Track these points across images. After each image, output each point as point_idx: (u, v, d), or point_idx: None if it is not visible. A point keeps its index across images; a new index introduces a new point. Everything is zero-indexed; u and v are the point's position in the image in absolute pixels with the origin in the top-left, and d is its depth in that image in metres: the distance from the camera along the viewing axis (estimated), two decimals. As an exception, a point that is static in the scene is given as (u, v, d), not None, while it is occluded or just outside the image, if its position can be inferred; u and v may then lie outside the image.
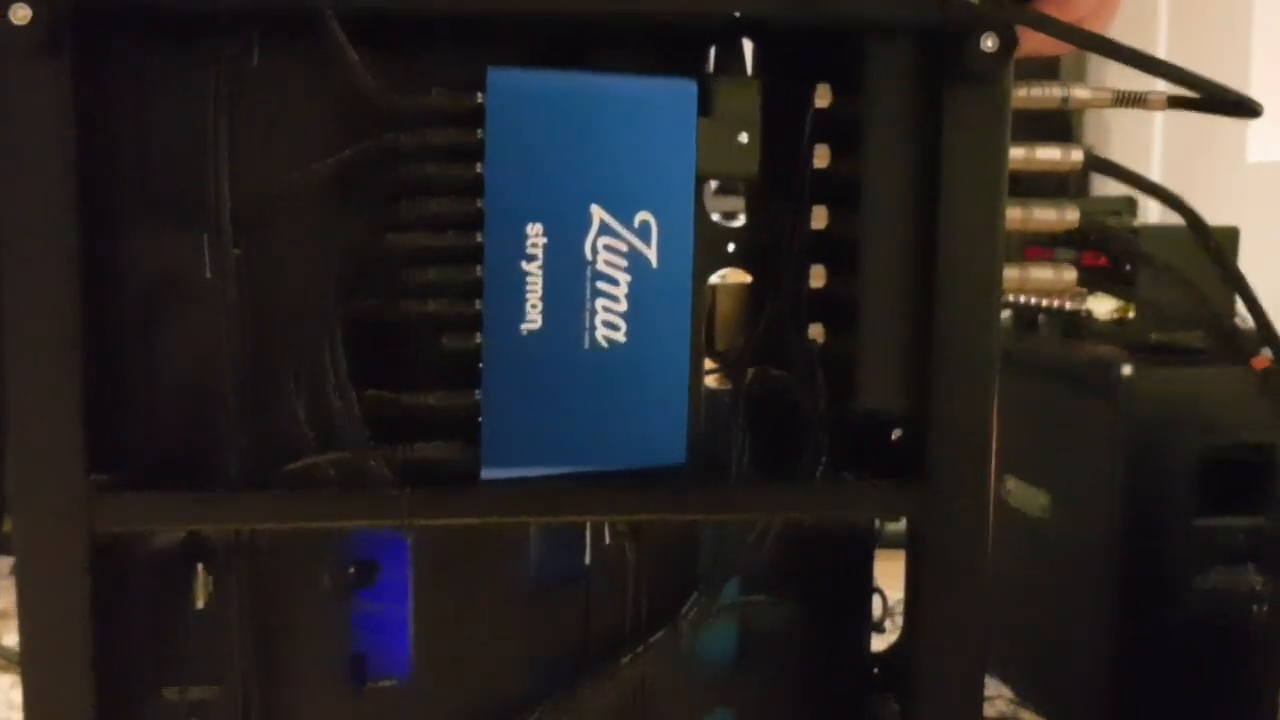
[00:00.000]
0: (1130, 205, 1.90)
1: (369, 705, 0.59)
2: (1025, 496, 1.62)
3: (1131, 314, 1.56)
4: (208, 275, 0.53)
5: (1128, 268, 1.61)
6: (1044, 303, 1.68)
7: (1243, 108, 0.51)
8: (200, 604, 0.56)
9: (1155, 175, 2.23)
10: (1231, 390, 1.30)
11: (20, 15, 0.47)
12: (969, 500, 0.55)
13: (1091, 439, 1.51)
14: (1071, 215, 0.60)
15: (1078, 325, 1.55)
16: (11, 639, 1.46)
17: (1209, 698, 1.37)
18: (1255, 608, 1.26)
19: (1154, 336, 1.35)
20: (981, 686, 0.59)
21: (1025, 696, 1.62)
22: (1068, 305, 1.54)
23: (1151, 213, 2.18)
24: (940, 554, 0.56)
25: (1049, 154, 0.57)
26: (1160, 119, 2.11)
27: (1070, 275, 0.62)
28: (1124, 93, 0.56)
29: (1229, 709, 1.34)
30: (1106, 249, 1.52)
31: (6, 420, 0.49)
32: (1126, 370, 1.32)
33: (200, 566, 0.55)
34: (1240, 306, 1.67)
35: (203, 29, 0.51)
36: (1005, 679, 1.64)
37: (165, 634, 0.56)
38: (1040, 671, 1.60)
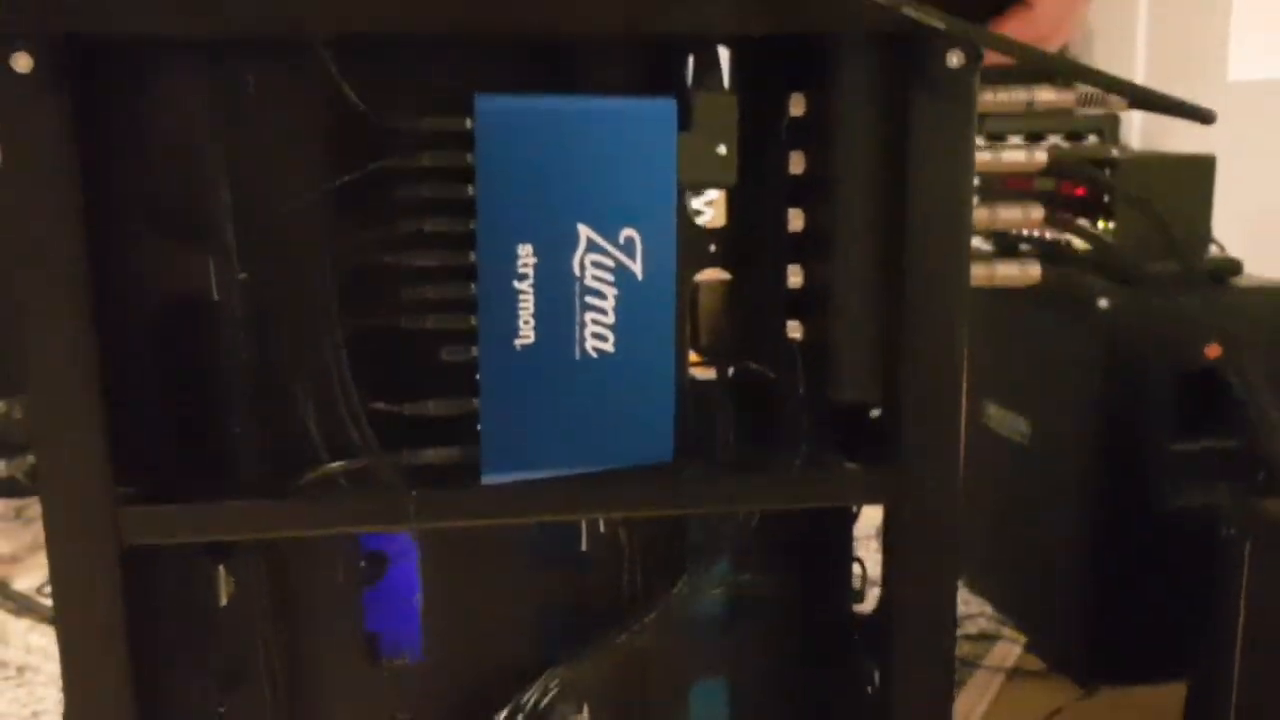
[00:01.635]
0: (1113, 122, 1.91)
1: (385, 681, 0.64)
2: (1006, 422, 1.66)
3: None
4: (215, 297, 0.55)
5: (1104, 198, 1.63)
6: (1025, 231, 1.70)
7: (1198, 115, 0.53)
8: (224, 601, 0.59)
9: (1138, 81, 2.22)
10: (1207, 316, 1.33)
11: (22, 63, 0.48)
12: (939, 484, 0.59)
13: (1071, 366, 1.54)
14: (1040, 157, 0.62)
15: (1058, 253, 1.58)
16: (20, 583, 1.51)
17: (1180, 616, 1.43)
18: (1224, 530, 1.31)
19: (1128, 266, 1.38)
20: (953, 652, 0.63)
21: (1006, 614, 1.68)
22: (1048, 234, 1.57)
23: (1134, 128, 2.19)
24: (913, 533, 0.60)
25: (1014, 156, 0.59)
26: (1141, 38, 2.11)
27: (1037, 213, 0.63)
28: (1088, 93, 0.58)
29: (1199, 627, 1.40)
30: (1063, 202, 1.54)
31: (33, 442, 0.52)
32: (1104, 303, 1.35)
33: (222, 568, 0.59)
34: (1216, 233, 1.69)
35: (201, 57, 0.53)
36: (987, 598, 1.71)
37: (193, 629, 0.60)
38: (1020, 591, 1.66)
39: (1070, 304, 1.49)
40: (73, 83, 0.49)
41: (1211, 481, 1.37)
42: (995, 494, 1.70)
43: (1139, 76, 2.13)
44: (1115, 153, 1.71)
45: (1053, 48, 0.53)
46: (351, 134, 0.55)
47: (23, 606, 1.45)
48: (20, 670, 1.41)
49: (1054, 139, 2.18)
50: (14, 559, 1.62)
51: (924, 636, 0.61)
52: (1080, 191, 1.58)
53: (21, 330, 0.52)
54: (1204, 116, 0.54)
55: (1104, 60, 2.28)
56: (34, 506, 0.98)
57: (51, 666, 1.33)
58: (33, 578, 1.52)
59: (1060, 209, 1.67)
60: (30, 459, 0.53)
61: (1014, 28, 0.52)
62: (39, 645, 1.36)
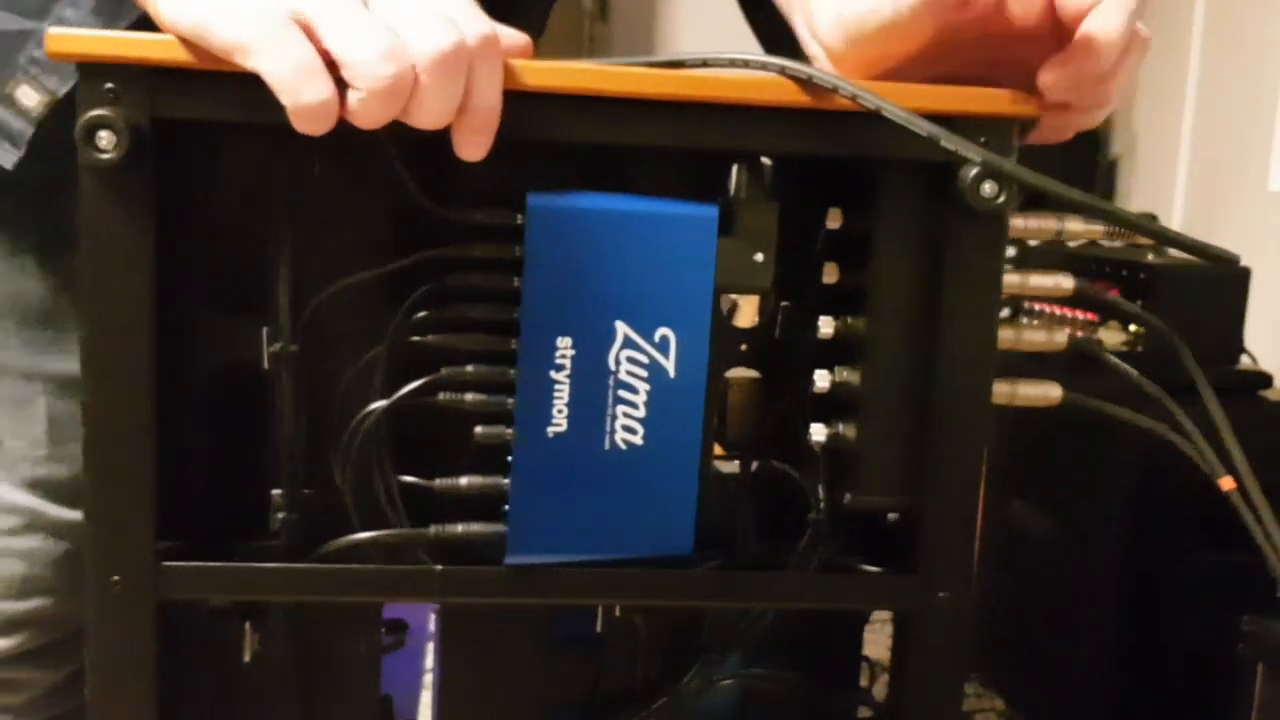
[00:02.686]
0: (1153, 221, 1.92)
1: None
2: (1031, 519, 1.66)
3: (1140, 347, 1.60)
4: (265, 367, 0.58)
5: (1138, 302, 1.64)
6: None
7: (1221, 258, 0.55)
8: (247, 658, 0.61)
9: (1178, 200, 2.24)
10: (1236, 426, 1.34)
11: (106, 142, 0.51)
12: (953, 592, 0.60)
13: (1096, 471, 1.55)
14: (1066, 284, 0.63)
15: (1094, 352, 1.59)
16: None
17: (1191, 728, 1.42)
18: (1241, 646, 1.31)
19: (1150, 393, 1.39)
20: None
21: (1016, 712, 1.67)
22: (1079, 334, 1.59)
23: (1174, 226, 2.20)
24: (924, 640, 0.61)
25: (1041, 281, 0.61)
26: (1185, 145, 2.13)
27: (1061, 337, 0.65)
28: (1116, 229, 0.60)
29: (1210, 740, 1.39)
30: (1101, 312, 1.56)
31: (87, 494, 0.55)
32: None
33: (248, 625, 0.61)
34: (1249, 344, 1.69)
35: (269, 141, 0.56)
36: (998, 692, 1.70)
37: (215, 682, 0.62)
38: (1031, 689, 1.65)
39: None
40: (153, 165, 0.52)
41: (1232, 599, 1.37)
42: (1014, 590, 1.69)
43: (1181, 184, 2.15)
44: (1151, 257, 1.72)
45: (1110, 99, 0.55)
46: (408, 221, 0.58)
47: None
48: None
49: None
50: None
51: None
52: (1114, 292, 1.60)
53: (86, 388, 0.54)
54: (1227, 259, 0.55)
55: (1147, 167, 2.31)
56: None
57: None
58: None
59: (1092, 310, 1.68)
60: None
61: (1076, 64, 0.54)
62: None
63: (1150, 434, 0.69)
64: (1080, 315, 1.66)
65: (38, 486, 0.73)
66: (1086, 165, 2.38)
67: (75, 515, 0.72)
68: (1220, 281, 1.60)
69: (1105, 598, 1.50)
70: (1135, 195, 2.38)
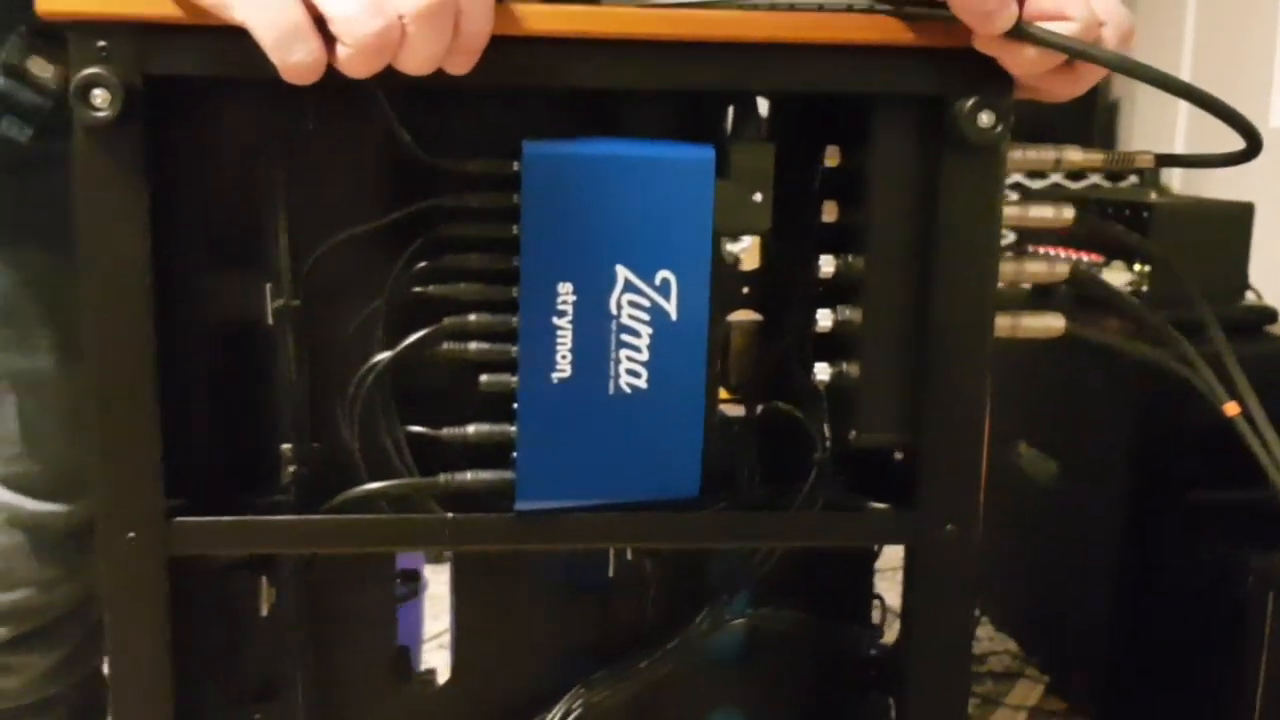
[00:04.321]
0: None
1: (414, 697, 0.66)
2: (1036, 463, 1.67)
3: (1145, 287, 1.59)
4: (270, 322, 0.58)
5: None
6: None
7: (1224, 160, 0.55)
8: (264, 611, 0.62)
9: (1179, 140, 2.22)
10: (1243, 362, 1.34)
11: (101, 99, 0.51)
12: (959, 527, 0.61)
13: (1101, 411, 1.55)
14: (1067, 214, 0.62)
15: (1097, 289, 1.59)
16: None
17: (1203, 664, 1.43)
18: (1250, 580, 1.31)
19: (1155, 325, 1.38)
20: (968, 689, 0.65)
21: (1030, 654, 1.68)
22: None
23: (1176, 169, 2.18)
24: (931, 574, 0.61)
25: (1042, 212, 0.61)
26: (1186, 78, 2.11)
27: (1062, 269, 0.64)
28: (1115, 154, 0.60)
29: (1219, 675, 1.40)
30: (1104, 246, 1.55)
31: (96, 454, 0.55)
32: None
33: (264, 579, 0.62)
34: (1253, 281, 1.69)
35: (264, 97, 0.56)
36: (1012, 636, 1.71)
37: (233, 636, 0.63)
38: (1045, 631, 1.66)
39: (1100, 348, 1.50)
40: (147, 122, 0.52)
41: (1237, 536, 1.37)
42: (1024, 532, 1.70)
43: (1181, 123, 2.14)
44: (1154, 196, 1.71)
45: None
46: (404, 172, 0.58)
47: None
48: None
49: (1095, 178, 2.18)
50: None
51: (940, 674, 0.62)
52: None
53: (90, 350, 0.55)
54: (1233, 160, 0.55)
55: (1147, 108, 2.29)
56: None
57: None
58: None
59: (1096, 250, 1.67)
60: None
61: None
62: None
63: (1154, 372, 0.69)
64: (1085, 258, 1.66)
65: (12, 482, 0.73)
66: (1087, 107, 2.36)
67: (52, 508, 0.73)
68: (1223, 218, 1.59)
69: (1112, 538, 1.51)
70: (1136, 135, 2.37)
